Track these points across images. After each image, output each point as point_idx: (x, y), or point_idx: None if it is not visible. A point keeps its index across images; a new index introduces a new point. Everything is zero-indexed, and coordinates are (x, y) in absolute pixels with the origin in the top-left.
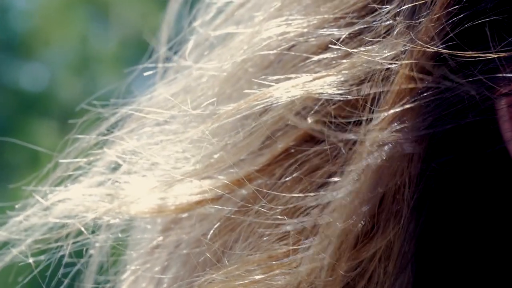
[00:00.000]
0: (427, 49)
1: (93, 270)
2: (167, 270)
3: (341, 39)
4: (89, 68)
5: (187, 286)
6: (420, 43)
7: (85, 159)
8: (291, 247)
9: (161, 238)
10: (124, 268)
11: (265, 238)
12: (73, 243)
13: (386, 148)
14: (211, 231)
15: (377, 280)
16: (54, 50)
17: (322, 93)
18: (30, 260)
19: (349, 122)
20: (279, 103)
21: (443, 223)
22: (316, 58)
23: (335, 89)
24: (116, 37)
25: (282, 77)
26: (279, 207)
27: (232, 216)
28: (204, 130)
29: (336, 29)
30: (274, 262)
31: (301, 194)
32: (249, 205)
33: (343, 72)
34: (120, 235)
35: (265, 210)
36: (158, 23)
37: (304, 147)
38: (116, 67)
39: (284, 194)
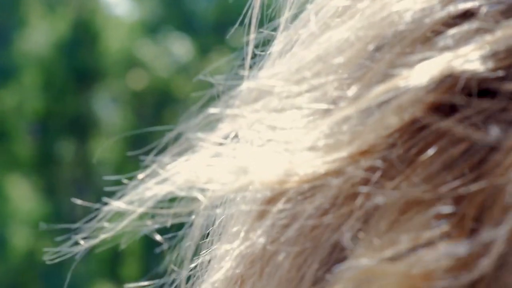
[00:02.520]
0: None
1: (196, 238)
2: (284, 241)
3: (476, 12)
4: None
5: (321, 260)
6: None
7: (207, 131)
8: (452, 232)
9: (268, 207)
10: (225, 237)
11: (408, 217)
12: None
13: None
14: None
15: None
16: None
17: (466, 70)
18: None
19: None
20: (419, 85)
21: None
22: (450, 32)
23: (479, 65)
24: None
25: (416, 55)
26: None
27: (358, 188)
28: (350, 113)
29: (470, 1)
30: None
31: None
32: (383, 178)
33: (486, 46)
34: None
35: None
36: None
37: (435, 118)
38: None
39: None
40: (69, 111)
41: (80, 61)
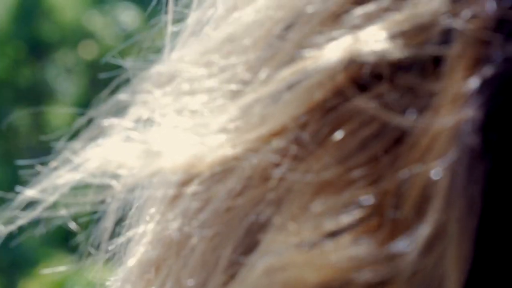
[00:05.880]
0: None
1: (110, 224)
2: (198, 225)
3: None
4: None
5: (235, 244)
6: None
7: (117, 116)
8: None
9: (182, 190)
10: (137, 222)
11: (322, 200)
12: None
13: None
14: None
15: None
16: None
17: (374, 50)
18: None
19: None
20: (328, 65)
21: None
22: (359, 11)
23: (388, 44)
24: None
25: (326, 35)
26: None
27: (269, 170)
28: (261, 94)
29: None
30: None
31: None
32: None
33: (394, 25)
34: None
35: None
36: None
37: (346, 98)
38: None
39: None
40: (23, 81)
41: (32, 31)
